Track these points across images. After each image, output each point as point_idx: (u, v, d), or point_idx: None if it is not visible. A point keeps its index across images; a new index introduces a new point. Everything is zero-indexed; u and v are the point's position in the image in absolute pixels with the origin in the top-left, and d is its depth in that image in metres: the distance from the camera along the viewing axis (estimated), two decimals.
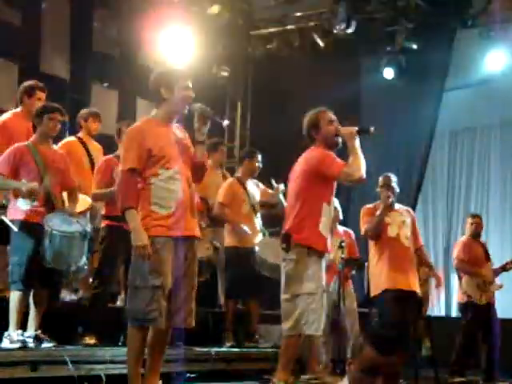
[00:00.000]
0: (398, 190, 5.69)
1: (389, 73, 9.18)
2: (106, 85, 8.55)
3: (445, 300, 10.34)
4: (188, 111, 4.02)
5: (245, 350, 6.35)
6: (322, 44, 8.85)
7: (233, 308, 6.50)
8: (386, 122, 9.62)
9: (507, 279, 7.34)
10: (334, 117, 4.62)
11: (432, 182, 10.68)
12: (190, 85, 4.03)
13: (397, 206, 5.76)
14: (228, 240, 6.51)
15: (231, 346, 6.29)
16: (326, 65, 8.88)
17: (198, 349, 5.82)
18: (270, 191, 6.65)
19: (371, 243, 5.70)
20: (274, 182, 6.57)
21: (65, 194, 5.13)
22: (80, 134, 6.38)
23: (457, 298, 7.40)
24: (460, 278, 6.97)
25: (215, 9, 8.51)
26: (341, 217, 6.71)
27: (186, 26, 8.53)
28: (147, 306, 3.82)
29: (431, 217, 10.68)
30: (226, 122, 4.15)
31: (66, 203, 5.11)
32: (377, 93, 9.61)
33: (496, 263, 7.12)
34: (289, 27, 8.98)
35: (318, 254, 4.50)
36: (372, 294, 5.66)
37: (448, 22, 8.67)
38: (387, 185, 5.68)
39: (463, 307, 6.94)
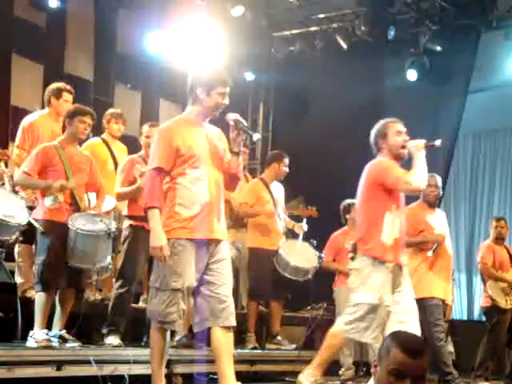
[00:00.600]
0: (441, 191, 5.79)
1: (412, 75, 9.13)
2: (129, 86, 8.59)
3: (467, 303, 10.26)
4: (223, 119, 4.01)
5: (267, 351, 6.35)
6: (344, 46, 8.81)
7: (255, 309, 6.50)
8: (409, 123, 9.52)
9: None
10: (403, 128, 4.60)
11: (455, 185, 10.61)
12: (227, 91, 4.01)
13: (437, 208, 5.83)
14: (250, 241, 6.51)
15: (254, 348, 6.29)
16: (349, 67, 8.85)
17: None
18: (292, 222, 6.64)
19: (414, 249, 5.65)
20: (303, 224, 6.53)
21: (92, 195, 5.17)
22: (104, 135, 6.42)
23: (480, 301, 7.34)
24: (484, 282, 6.91)
25: (238, 10, 8.50)
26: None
27: (209, 27, 8.54)
28: (166, 308, 3.83)
29: (453, 219, 10.58)
30: (256, 137, 4.08)
31: (92, 203, 5.15)
32: (400, 95, 9.53)
33: None
34: (312, 29, 8.96)
35: (383, 264, 4.38)
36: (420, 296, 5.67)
37: (472, 23, 8.60)
38: (435, 185, 5.76)
39: (488, 311, 6.88)
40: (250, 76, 9.61)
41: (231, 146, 4.02)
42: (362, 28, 8.45)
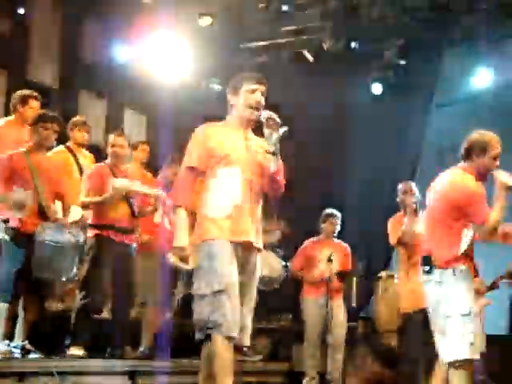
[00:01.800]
0: (419, 197, 5.68)
1: (377, 88, 9.24)
2: (94, 94, 8.52)
3: None
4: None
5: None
6: (311, 59, 8.88)
7: None
8: (373, 137, 9.68)
9: None
10: (498, 154, 4.26)
11: (420, 200, 10.72)
12: (260, 87, 3.81)
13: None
14: None
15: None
16: (315, 79, 8.92)
17: (186, 360, 5.79)
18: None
19: (403, 256, 5.65)
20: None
21: (58, 204, 5.10)
22: (69, 144, 6.35)
23: None
24: None
25: (206, 21, 8.50)
26: (336, 232, 6.72)
27: (176, 37, 8.54)
28: (212, 314, 3.54)
29: None
30: (282, 129, 3.72)
31: (60, 213, 5.08)
32: (364, 108, 9.65)
33: None
34: (278, 41, 9.01)
35: (463, 273, 4.17)
36: (403, 311, 5.63)
37: (436, 39, 8.75)
38: (410, 189, 5.75)
39: None
40: (217, 87, 9.61)
41: (266, 147, 3.78)
42: (327, 41, 8.52)
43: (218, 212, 3.69)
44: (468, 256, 4.21)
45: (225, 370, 3.57)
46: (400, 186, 5.89)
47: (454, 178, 4.25)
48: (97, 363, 4.88)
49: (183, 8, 8.34)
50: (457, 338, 4.04)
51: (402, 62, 8.99)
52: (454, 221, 4.17)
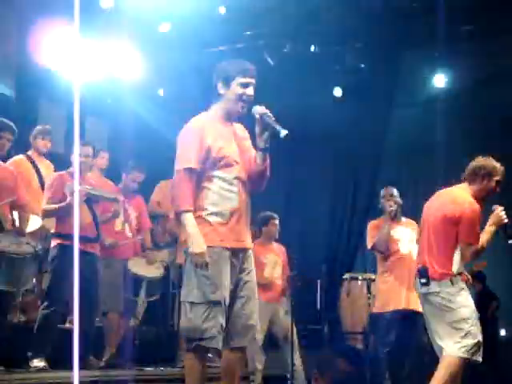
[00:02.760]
0: (401, 201, 5.73)
1: (338, 91, 9.31)
2: (53, 102, 8.41)
3: None
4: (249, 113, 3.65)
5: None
6: (272, 62, 8.90)
7: None
8: (336, 140, 9.75)
9: None
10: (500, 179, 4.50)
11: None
12: (252, 81, 3.66)
13: (404, 219, 5.81)
14: (179, 257, 6.43)
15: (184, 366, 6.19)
16: (277, 83, 8.94)
17: (150, 369, 5.75)
18: None
19: (380, 258, 5.71)
20: None
21: (15, 214, 5.03)
22: (29, 152, 6.26)
23: None
24: None
25: (165, 27, 8.46)
26: (277, 235, 6.67)
27: (135, 43, 8.48)
28: (204, 323, 3.44)
29: None
30: (283, 133, 3.53)
31: (17, 223, 5.01)
32: (327, 111, 9.71)
33: None
34: (238, 45, 9.01)
35: (459, 280, 4.37)
36: (377, 310, 5.69)
37: (393, 42, 8.85)
38: (390, 195, 5.77)
39: None
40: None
41: (257, 142, 3.64)
42: (288, 45, 8.55)
43: (216, 218, 3.57)
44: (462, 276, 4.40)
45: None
46: (381, 191, 5.92)
47: (457, 196, 4.45)
48: (60, 374, 4.80)
49: (142, 14, 8.29)
50: (459, 339, 4.25)
51: (362, 65, 9.07)
52: (453, 236, 4.37)
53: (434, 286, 4.35)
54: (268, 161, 3.69)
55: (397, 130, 9.52)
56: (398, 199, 5.73)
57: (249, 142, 3.75)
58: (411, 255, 5.51)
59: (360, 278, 6.96)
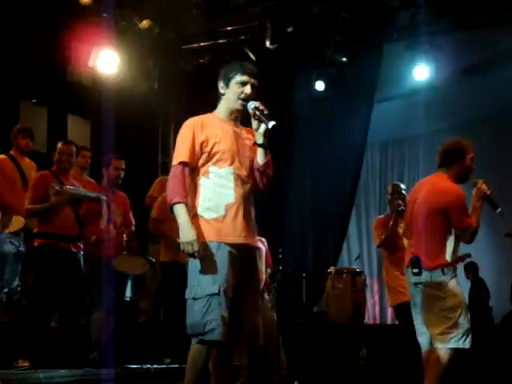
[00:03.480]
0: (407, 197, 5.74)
1: (320, 85, 9.33)
2: (34, 101, 8.37)
3: (380, 308, 10.51)
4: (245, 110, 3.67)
5: (184, 366, 6.27)
6: (253, 58, 8.89)
7: (171, 324, 6.42)
8: (319, 133, 9.78)
9: None
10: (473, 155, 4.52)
11: (365, 192, 10.87)
12: (250, 80, 3.68)
13: None
14: (163, 255, 6.43)
15: (170, 363, 6.21)
16: (259, 78, 8.94)
17: (136, 366, 5.75)
18: None
19: (385, 254, 5.73)
20: None
21: None
22: (12, 152, 6.24)
23: None
24: None
25: (145, 24, 8.44)
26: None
27: (116, 40, 8.45)
28: (204, 317, 3.45)
29: (365, 226, 10.86)
30: (271, 124, 3.56)
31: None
32: (310, 105, 9.75)
33: None
34: (220, 41, 9.00)
35: (450, 270, 4.39)
36: (391, 305, 5.74)
37: (374, 35, 8.88)
38: (397, 192, 5.78)
39: None
40: (159, 89, 9.57)
41: (255, 139, 3.67)
42: (268, 40, 8.55)
43: (212, 213, 3.57)
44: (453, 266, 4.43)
45: (199, 377, 3.54)
46: (389, 188, 5.94)
47: (439, 187, 4.45)
48: (45, 374, 4.77)
49: (122, 11, 8.27)
50: (447, 329, 4.27)
51: (344, 59, 9.10)
52: (439, 226, 4.37)
53: (425, 276, 4.37)
54: (269, 158, 3.69)
55: (378, 123, 9.54)
56: (406, 195, 5.75)
57: (251, 142, 3.74)
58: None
59: (345, 271, 6.98)
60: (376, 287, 10.61)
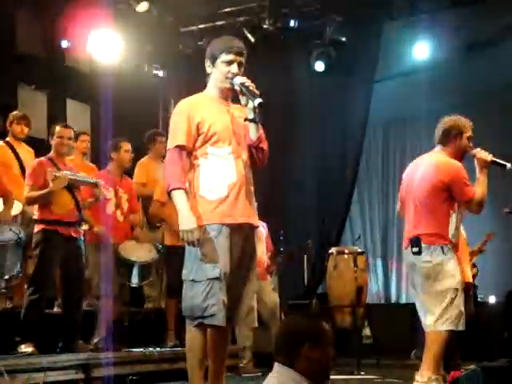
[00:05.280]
0: None
1: (319, 66, 9.28)
2: (33, 87, 8.34)
3: (384, 288, 10.51)
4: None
5: None
6: (252, 39, 8.84)
7: (174, 307, 6.44)
8: (320, 114, 9.74)
9: None
10: (471, 134, 4.48)
11: (368, 173, 10.82)
12: (237, 58, 3.61)
13: None
14: (167, 239, 6.42)
15: (174, 346, 6.24)
16: (258, 60, 8.86)
17: (140, 350, 5.77)
18: None
19: None
20: None
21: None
22: (8, 138, 6.23)
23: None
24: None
25: (143, 6, 8.38)
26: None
27: (114, 24, 8.41)
28: (205, 301, 3.43)
29: (368, 207, 10.83)
30: (257, 101, 3.47)
31: (1, 210, 4.99)
32: (310, 86, 9.70)
33: None
34: (218, 23, 8.95)
35: (451, 250, 4.34)
36: None
37: (374, 14, 8.81)
38: None
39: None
40: (159, 73, 9.54)
41: (245, 114, 3.60)
42: (267, 21, 8.50)
43: (213, 194, 3.52)
44: (455, 245, 4.38)
45: (201, 358, 3.54)
46: None
47: (439, 161, 4.42)
48: (48, 359, 4.81)
49: None
50: (444, 310, 4.24)
51: (343, 39, 9.04)
52: (441, 203, 4.33)
53: (425, 256, 4.34)
54: (261, 133, 3.64)
55: (380, 102, 9.49)
56: None
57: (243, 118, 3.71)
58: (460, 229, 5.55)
59: (346, 251, 6.98)
60: (380, 266, 10.60)
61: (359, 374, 6.32)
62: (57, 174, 5.21)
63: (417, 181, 4.49)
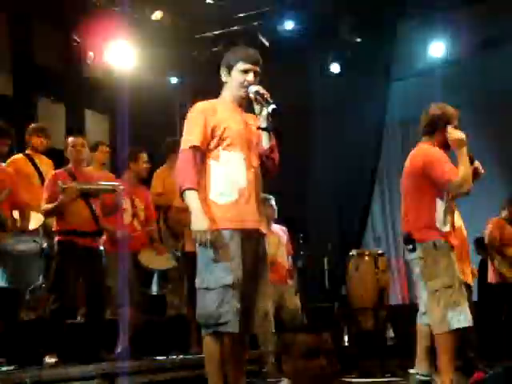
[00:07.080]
0: None
1: (335, 67, 9.27)
2: (52, 99, 8.42)
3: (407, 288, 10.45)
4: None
5: None
6: (267, 43, 8.85)
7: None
8: (336, 116, 9.72)
9: None
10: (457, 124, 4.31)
11: (387, 172, 10.77)
12: (253, 68, 3.63)
13: None
14: (188, 245, 6.42)
15: (196, 353, 6.24)
16: (274, 64, 8.87)
17: (163, 358, 5.79)
18: None
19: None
20: None
21: (16, 213, 5.05)
22: (27, 151, 6.30)
23: (489, 278, 7.06)
24: (492, 258, 6.88)
25: (158, 14, 8.44)
26: (276, 215, 6.61)
27: (130, 33, 8.47)
28: (218, 308, 3.41)
29: (388, 206, 10.78)
30: (271, 107, 3.52)
31: (19, 222, 5.03)
32: (326, 88, 9.69)
33: None
34: (232, 28, 8.97)
35: (444, 246, 4.20)
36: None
37: (388, 14, 8.78)
38: None
39: (496, 287, 6.87)
40: (174, 79, 9.59)
41: (258, 123, 3.63)
42: (281, 25, 8.51)
43: (224, 198, 3.52)
44: (449, 233, 4.23)
45: (220, 367, 3.51)
46: None
47: (416, 150, 4.32)
48: (73, 369, 4.83)
49: (134, 4, 8.28)
50: (443, 311, 4.11)
51: (358, 40, 9.01)
52: (423, 191, 4.20)
53: (418, 252, 4.21)
54: (274, 143, 3.65)
55: (397, 102, 9.45)
56: None
57: (256, 126, 3.72)
58: (461, 228, 5.51)
59: (367, 253, 6.95)
60: (403, 267, 10.53)
61: (384, 377, 6.28)
62: (64, 186, 5.21)
63: (404, 176, 4.40)
